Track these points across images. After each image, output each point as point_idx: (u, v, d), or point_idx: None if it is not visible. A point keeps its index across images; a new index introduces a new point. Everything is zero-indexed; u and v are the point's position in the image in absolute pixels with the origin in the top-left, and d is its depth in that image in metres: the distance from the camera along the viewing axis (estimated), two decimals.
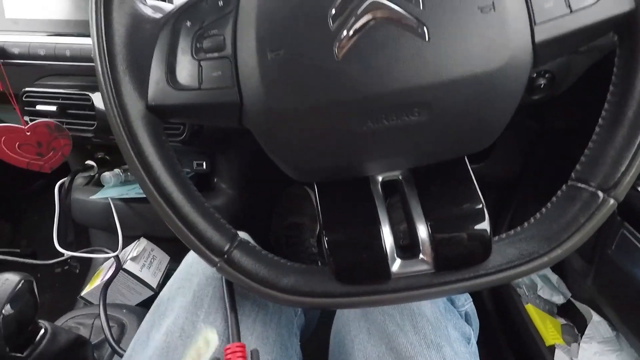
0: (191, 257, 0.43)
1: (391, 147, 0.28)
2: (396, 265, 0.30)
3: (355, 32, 0.25)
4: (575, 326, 0.73)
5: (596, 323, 0.63)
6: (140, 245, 0.74)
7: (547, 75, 0.57)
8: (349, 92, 0.26)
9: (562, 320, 0.76)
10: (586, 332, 0.64)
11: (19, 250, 1.12)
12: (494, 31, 0.25)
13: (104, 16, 0.29)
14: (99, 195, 0.69)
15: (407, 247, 0.32)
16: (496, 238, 0.31)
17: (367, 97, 0.26)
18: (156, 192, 0.30)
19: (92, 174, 0.76)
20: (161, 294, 0.40)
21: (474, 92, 0.26)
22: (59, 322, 0.61)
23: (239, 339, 0.36)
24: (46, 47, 0.54)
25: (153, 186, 0.30)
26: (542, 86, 0.57)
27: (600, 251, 0.55)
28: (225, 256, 0.31)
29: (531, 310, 0.76)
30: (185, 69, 0.29)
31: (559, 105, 0.67)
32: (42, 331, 0.47)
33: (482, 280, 0.30)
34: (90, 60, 0.55)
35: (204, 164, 0.76)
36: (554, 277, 0.80)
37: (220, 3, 0.29)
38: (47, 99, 0.61)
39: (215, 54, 0.28)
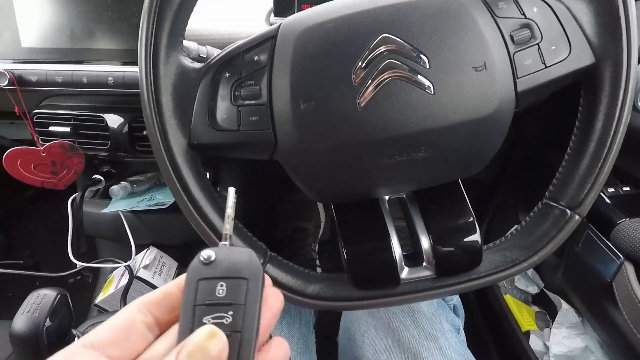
0: None
1: (400, 177, 0.35)
2: (404, 272, 0.36)
3: (375, 87, 0.31)
4: (548, 313, 0.82)
5: (565, 310, 0.71)
6: (151, 253, 0.78)
7: None
8: (368, 135, 0.32)
9: (536, 308, 0.85)
10: (557, 318, 0.73)
11: (22, 262, 1.13)
12: (485, 86, 0.32)
13: (153, 70, 0.33)
14: (110, 209, 0.72)
15: (411, 255, 0.38)
16: (485, 247, 0.38)
17: (383, 140, 0.32)
18: (201, 220, 0.35)
19: (99, 187, 0.79)
20: None
21: (469, 133, 0.32)
22: (80, 330, 0.65)
23: None
24: (63, 74, 0.57)
25: (199, 216, 0.35)
26: None
27: (569, 248, 0.64)
28: None
29: (509, 300, 0.85)
30: (225, 113, 0.34)
31: (534, 114, 0.74)
32: (76, 339, 0.51)
33: (474, 283, 0.37)
34: (105, 85, 0.58)
35: (208, 174, 0.81)
36: (530, 270, 0.89)
37: (256, 58, 0.34)
38: (59, 120, 0.64)
39: (253, 102, 0.34)
